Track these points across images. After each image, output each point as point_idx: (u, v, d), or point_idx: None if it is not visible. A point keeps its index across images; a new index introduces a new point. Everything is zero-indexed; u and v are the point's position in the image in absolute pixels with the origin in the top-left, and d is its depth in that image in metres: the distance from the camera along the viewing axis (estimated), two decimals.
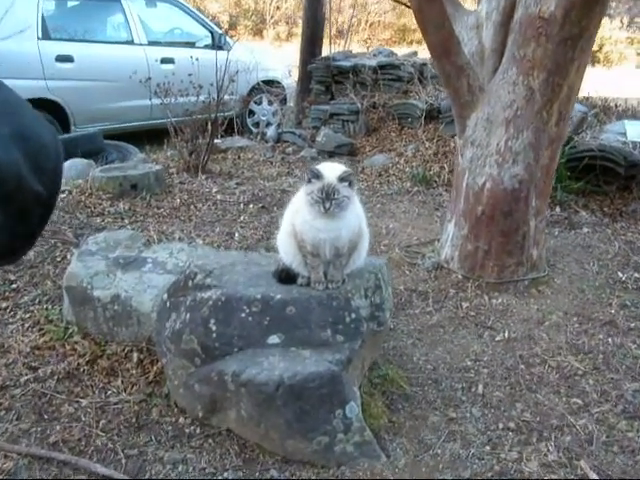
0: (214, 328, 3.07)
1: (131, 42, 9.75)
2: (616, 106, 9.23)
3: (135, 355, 3.61)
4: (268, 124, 10.69)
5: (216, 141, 8.21)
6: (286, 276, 3.22)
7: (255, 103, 10.95)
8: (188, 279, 3.31)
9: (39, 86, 8.54)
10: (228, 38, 11.32)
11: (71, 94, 8.85)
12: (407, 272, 4.82)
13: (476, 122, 4.54)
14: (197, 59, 7.92)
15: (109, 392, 3.41)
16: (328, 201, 2.86)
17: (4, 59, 8.13)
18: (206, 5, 26.13)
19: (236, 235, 5.32)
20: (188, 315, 3.17)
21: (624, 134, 6.98)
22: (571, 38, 4.11)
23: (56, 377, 3.48)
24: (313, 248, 3.04)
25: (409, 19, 25.43)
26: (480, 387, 3.55)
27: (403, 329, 4.10)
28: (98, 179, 6.11)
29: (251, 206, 6.05)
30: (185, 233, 5.30)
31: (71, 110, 8.95)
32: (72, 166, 6.81)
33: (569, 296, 4.56)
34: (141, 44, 9.80)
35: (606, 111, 8.22)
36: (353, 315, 3.12)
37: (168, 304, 3.32)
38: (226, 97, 7.79)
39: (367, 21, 23.67)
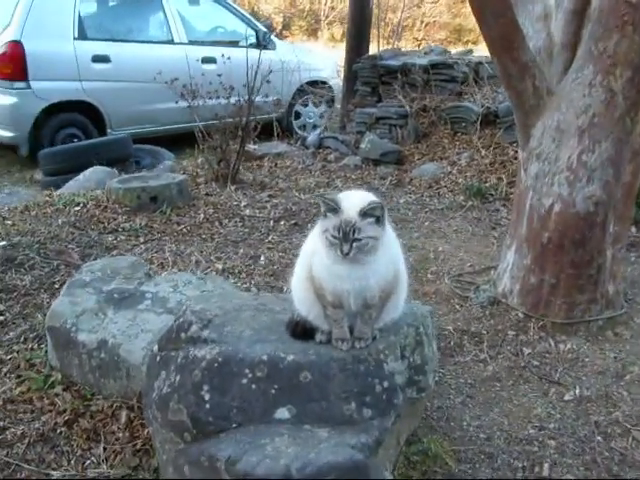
0: (207, 397, 2.42)
1: (171, 41, 9.22)
2: None
3: (124, 414, 2.99)
4: (314, 127, 10.03)
5: (252, 147, 7.61)
6: (302, 330, 2.55)
7: (302, 105, 10.32)
8: (180, 330, 2.67)
9: (74, 88, 8.09)
10: (273, 37, 10.74)
11: (107, 96, 8.37)
12: (458, 308, 4.10)
13: (543, 131, 3.79)
14: (227, 58, 7.31)
15: (87, 462, 2.80)
16: (347, 243, 2.20)
17: (37, 60, 7.70)
18: (260, 6, 25.70)
19: (262, 258, 4.67)
20: (178, 377, 2.52)
21: None
22: None
23: (27, 440, 2.88)
24: (334, 298, 2.38)
25: (464, 19, 24.59)
26: (546, 467, 2.83)
27: (451, 383, 3.40)
28: (115, 191, 5.55)
29: (282, 223, 5.40)
30: (204, 255, 4.68)
31: (107, 112, 8.47)
32: (91, 175, 6.28)
33: None
34: (181, 43, 9.24)
35: None
36: (385, 383, 2.45)
37: (158, 358, 2.68)
38: (264, 99, 7.21)
39: (422, 21, 22.93)
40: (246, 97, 6.47)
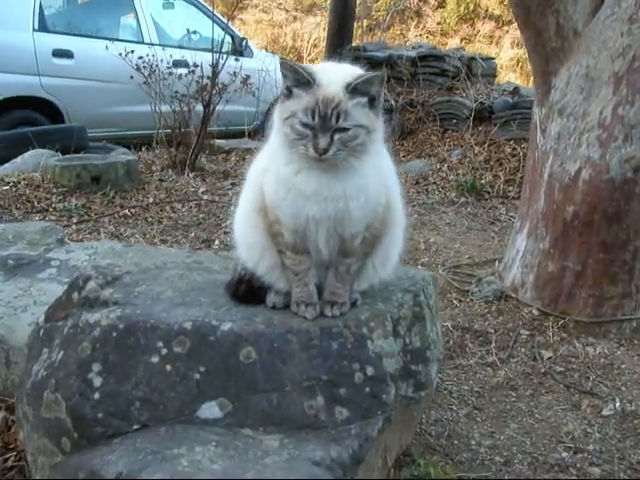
0: (98, 382, 1.59)
1: (141, 42, 8.41)
2: None
3: None
4: None
5: (220, 141, 6.81)
6: (247, 290, 1.74)
7: None
8: (73, 289, 1.83)
9: (31, 82, 7.24)
10: (251, 45, 10.01)
11: (68, 93, 7.50)
12: (456, 303, 3.30)
13: (568, 80, 3.04)
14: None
15: None
16: (325, 134, 1.41)
17: None
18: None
19: (216, 243, 3.85)
20: (60, 354, 1.69)
21: None
22: None
23: None
24: (296, 235, 1.58)
25: None
26: None
27: (452, 390, 2.58)
28: (51, 168, 4.72)
29: None
30: (147, 238, 3.85)
31: (68, 111, 7.59)
32: (30, 159, 5.41)
33: None
34: (152, 44, 8.42)
35: None
36: (369, 370, 1.64)
37: (42, 332, 1.84)
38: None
39: None
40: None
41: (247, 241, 1.70)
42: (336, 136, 1.43)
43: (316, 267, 1.65)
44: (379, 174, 1.58)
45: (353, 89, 1.44)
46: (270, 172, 1.57)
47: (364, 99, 1.46)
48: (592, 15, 3.15)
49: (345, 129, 1.43)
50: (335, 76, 1.48)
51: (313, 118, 1.43)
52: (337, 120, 1.42)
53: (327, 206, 1.50)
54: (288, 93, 1.49)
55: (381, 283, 1.78)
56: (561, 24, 3.02)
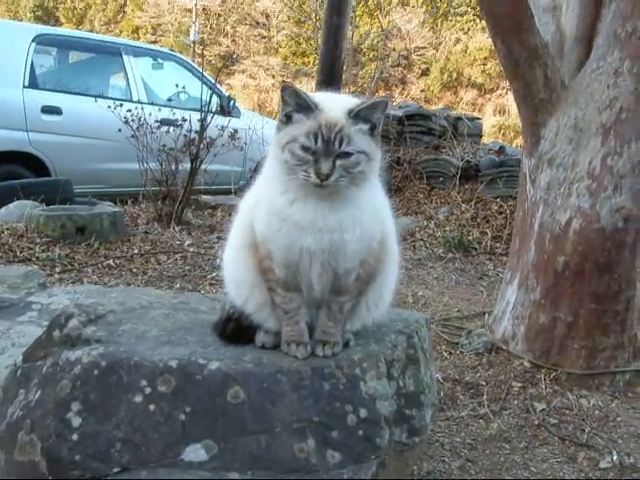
0: (77, 422, 1.51)
1: (129, 100, 8.43)
2: None
3: None
4: None
5: (206, 197, 6.78)
6: (235, 329, 1.69)
7: None
8: (54, 327, 1.76)
9: (19, 138, 7.21)
10: (238, 104, 10.08)
11: (56, 150, 7.47)
12: (446, 355, 3.23)
13: (557, 131, 3.06)
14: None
15: None
16: (327, 159, 1.40)
17: None
18: None
19: (201, 293, 3.78)
20: (38, 393, 1.61)
21: None
22: None
23: None
24: (287, 270, 1.53)
25: None
26: None
27: (444, 442, 2.49)
28: (35, 218, 4.65)
29: None
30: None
31: (55, 168, 7.54)
32: (14, 210, 5.35)
33: None
34: (140, 102, 8.44)
35: None
36: (363, 412, 1.57)
37: (19, 373, 1.77)
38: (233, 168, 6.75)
39: None
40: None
41: (236, 278, 1.65)
42: (338, 162, 1.41)
43: (307, 306, 1.60)
44: (374, 208, 1.55)
45: (355, 115, 1.43)
46: (263, 204, 1.53)
47: (366, 126, 1.45)
48: (578, 69, 3.20)
49: (348, 154, 1.41)
50: (336, 102, 1.47)
51: (316, 142, 1.40)
52: (340, 145, 1.40)
53: (322, 237, 1.46)
54: (286, 120, 1.46)
55: (374, 324, 1.73)
56: (549, 76, 3.05)
